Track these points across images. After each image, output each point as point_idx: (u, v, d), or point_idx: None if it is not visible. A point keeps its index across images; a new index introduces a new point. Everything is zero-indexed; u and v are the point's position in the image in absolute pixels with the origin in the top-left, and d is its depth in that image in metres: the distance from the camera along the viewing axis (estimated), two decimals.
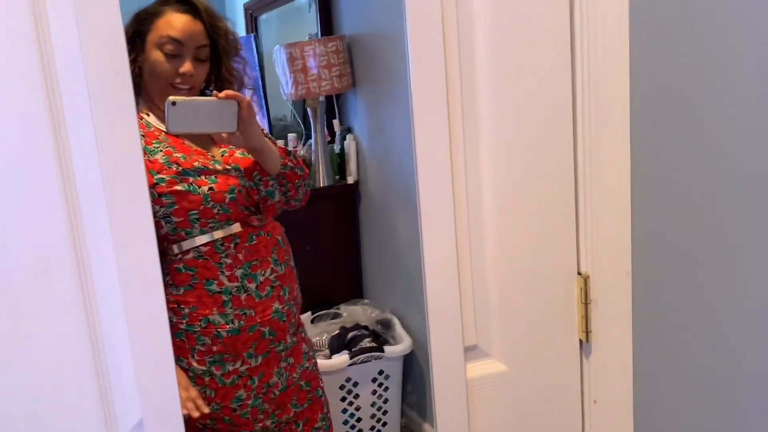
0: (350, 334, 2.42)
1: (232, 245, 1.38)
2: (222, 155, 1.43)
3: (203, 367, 1.39)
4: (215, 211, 1.35)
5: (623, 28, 0.91)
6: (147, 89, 1.41)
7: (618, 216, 0.95)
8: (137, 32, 1.38)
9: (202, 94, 1.44)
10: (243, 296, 1.38)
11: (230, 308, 1.37)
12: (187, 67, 1.35)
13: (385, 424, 2.42)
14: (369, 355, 2.30)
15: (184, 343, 1.37)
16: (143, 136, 1.39)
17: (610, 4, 0.90)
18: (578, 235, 0.96)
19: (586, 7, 0.90)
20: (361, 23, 2.56)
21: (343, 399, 2.34)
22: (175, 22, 1.37)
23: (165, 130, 1.38)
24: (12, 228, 0.75)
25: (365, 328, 2.48)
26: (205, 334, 1.37)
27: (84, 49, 0.74)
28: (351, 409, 2.36)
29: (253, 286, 1.38)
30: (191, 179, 1.35)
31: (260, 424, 1.46)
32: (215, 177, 1.37)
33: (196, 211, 1.34)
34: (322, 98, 2.67)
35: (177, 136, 1.38)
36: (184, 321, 1.37)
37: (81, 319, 0.79)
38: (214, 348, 1.38)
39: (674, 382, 0.95)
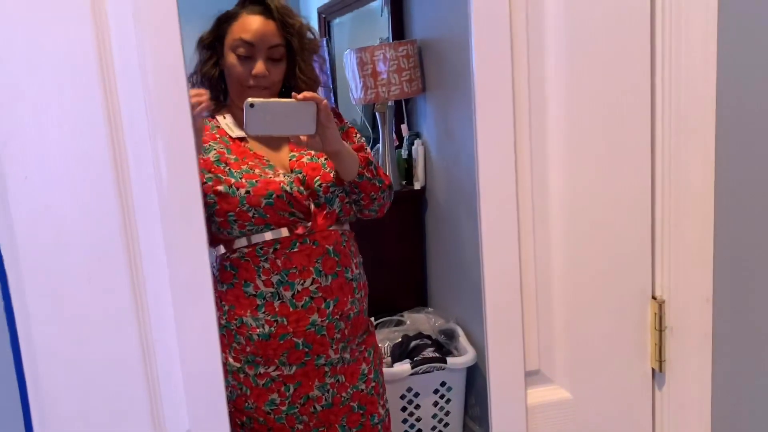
0: (413, 343, 2.39)
1: (271, 250, 1.38)
2: (290, 159, 1.43)
3: (238, 365, 1.41)
4: (250, 214, 1.35)
5: (710, 23, 0.83)
6: (228, 92, 1.44)
7: (698, 238, 0.87)
8: (217, 36, 1.42)
9: (283, 95, 1.42)
10: (277, 303, 1.37)
11: (262, 313, 1.37)
12: (258, 68, 1.36)
13: None
14: (431, 365, 2.26)
15: (224, 338, 1.39)
16: (209, 136, 1.42)
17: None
18: (653, 257, 0.89)
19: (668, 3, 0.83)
20: (432, 27, 2.53)
21: (404, 409, 2.30)
22: (248, 24, 1.38)
23: (232, 134, 1.38)
24: (69, 232, 0.76)
25: (428, 337, 2.43)
26: (240, 334, 1.39)
27: (141, 66, 0.74)
28: (412, 420, 2.32)
29: (288, 294, 1.37)
30: (233, 181, 1.35)
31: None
32: (256, 181, 1.36)
33: (233, 213, 1.35)
34: (390, 103, 2.65)
35: (238, 137, 1.40)
36: (224, 317, 1.40)
37: (133, 324, 0.79)
38: (248, 348, 1.39)
39: (757, 420, 0.87)
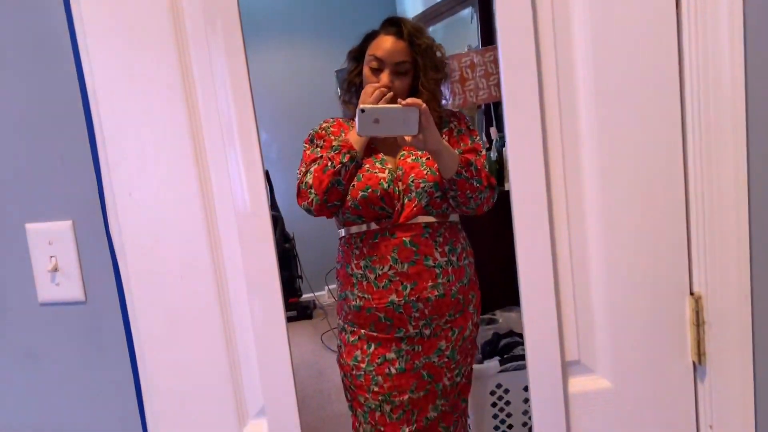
0: (503, 341, 2.44)
1: (359, 240, 1.67)
2: (400, 158, 1.68)
3: (342, 323, 1.78)
4: (350, 204, 1.62)
5: (737, 18, 0.86)
6: None
7: (734, 234, 0.89)
8: (360, 51, 1.73)
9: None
10: (365, 283, 1.67)
11: (356, 289, 1.69)
12: (383, 79, 1.63)
13: None
14: (521, 363, 2.30)
15: (341, 305, 1.77)
16: (343, 133, 1.72)
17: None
18: (690, 253, 0.92)
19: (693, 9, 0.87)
20: None
21: (494, 405, 2.36)
22: (381, 43, 1.66)
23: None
24: (165, 239, 0.92)
25: (519, 335, 2.48)
26: (346, 303, 1.73)
27: (219, 96, 0.89)
28: (502, 416, 2.38)
29: (372, 276, 1.65)
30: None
31: (374, 396, 1.69)
32: (361, 175, 1.63)
33: (338, 202, 1.64)
34: (480, 106, 2.72)
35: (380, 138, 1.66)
36: (340, 289, 1.76)
37: (217, 315, 0.94)
38: (349, 316, 1.74)
39: None
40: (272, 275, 0.92)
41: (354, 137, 1.63)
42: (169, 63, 0.88)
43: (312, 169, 1.64)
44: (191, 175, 0.91)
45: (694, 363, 0.94)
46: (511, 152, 0.91)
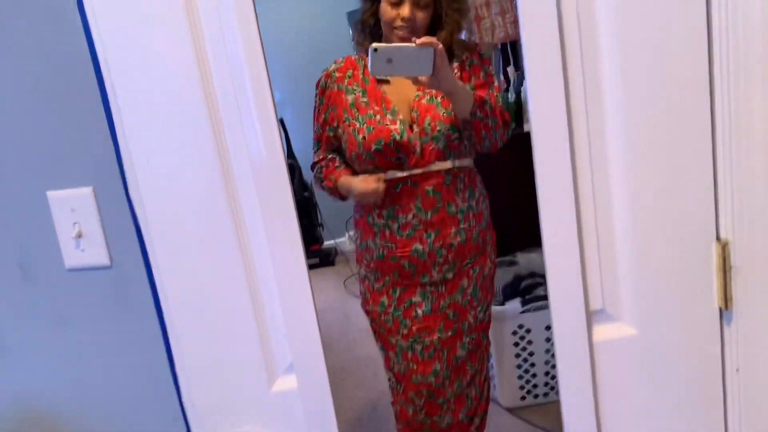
0: (524, 282, 2.46)
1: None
2: (415, 98, 1.65)
3: (365, 272, 1.79)
4: (364, 157, 1.64)
5: None
6: (382, 37, 1.69)
7: (762, 179, 0.87)
8: None
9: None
10: (387, 232, 1.67)
11: (379, 239, 1.69)
12: (405, 12, 1.59)
13: None
14: (542, 303, 2.32)
15: (360, 253, 1.80)
16: (352, 76, 1.71)
17: None
18: (716, 199, 0.90)
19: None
20: None
21: (516, 344, 2.40)
22: None
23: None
24: (184, 201, 0.92)
25: (540, 276, 2.49)
26: (367, 252, 1.76)
27: (230, 49, 0.87)
28: (525, 354, 2.42)
29: (395, 225, 1.66)
30: (357, 125, 1.64)
31: (403, 339, 1.73)
32: (373, 128, 1.61)
33: (354, 153, 1.65)
34: (497, 45, 2.65)
35: (380, 78, 1.66)
36: (359, 239, 1.79)
37: (241, 274, 0.95)
38: (371, 265, 1.76)
39: None
40: (292, 227, 0.92)
41: (344, 184, 1.69)
42: (176, 16, 0.86)
43: (320, 175, 1.78)
44: (206, 132, 0.90)
45: (720, 309, 0.93)
46: (531, 96, 0.88)
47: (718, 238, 0.91)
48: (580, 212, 0.92)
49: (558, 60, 0.87)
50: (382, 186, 1.61)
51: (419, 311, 1.72)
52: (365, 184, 1.62)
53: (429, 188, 1.62)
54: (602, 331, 0.96)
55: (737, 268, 0.91)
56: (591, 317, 0.95)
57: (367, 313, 1.82)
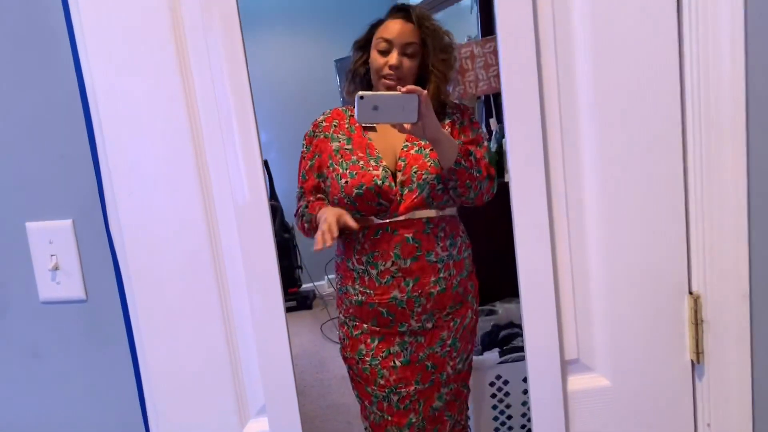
0: (503, 332, 2.45)
1: (361, 235, 1.65)
2: (403, 149, 1.67)
3: (343, 317, 1.76)
4: (345, 201, 1.63)
5: (737, 22, 0.86)
6: (372, 85, 1.73)
7: (733, 234, 0.90)
8: (367, 39, 1.73)
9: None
10: (366, 278, 1.66)
11: (358, 284, 1.68)
12: (393, 59, 1.64)
13: None
14: (520, 354, 2.31)
15: (341, 299, 1.76)
16: (338, 125, 1.74)
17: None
18: (689, 253, 0.92)
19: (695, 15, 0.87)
20: None
21: (494, 396, 2.38)
22: (389, 26, 1.67)
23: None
24: (165, 239, 0.92)
25: (519, 327, 2.49)
26: (346, 297, 1.73)
27: (218, 90, 0.88)
28: (501, 406, 2.40)
29: (374, 272, 1.65)
30: (340, 171, 1.64)
31: (380, 389, 1.70)
32: (356, 173, 1.62)
33: (336, 198, 1.65)
34: (479, 97, 2.71)
35: (369, 127, 1.68)
36: (339, 283, 1.76)
37: (218, 315, 0.95)
38: (350, 310, 1.73)
39: None
40: (272, 269, 0.92)
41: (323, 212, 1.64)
42: (166, 58, 0.88)
43: (303, 213, 1.74)
44: (190, 171, 0.91)
45: (692, 362, 0.94)
46: (510, 148, 0.91)
47: (690, 292, 0.93)
48: (556, 263, 0.94)
49: (537, 116, 0.90)
50: (338, 223, 1.55)
51: (397, 362, 1.70)
52: (332, 214, 1.57)
53: (408, 236, 1.63)
54: (577, 382, 0.96)
55: (708, 322, 0.93)
56: (566, 366, 0.96)
57: (345, 359, 1.79)
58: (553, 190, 0.92)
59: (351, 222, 1.56)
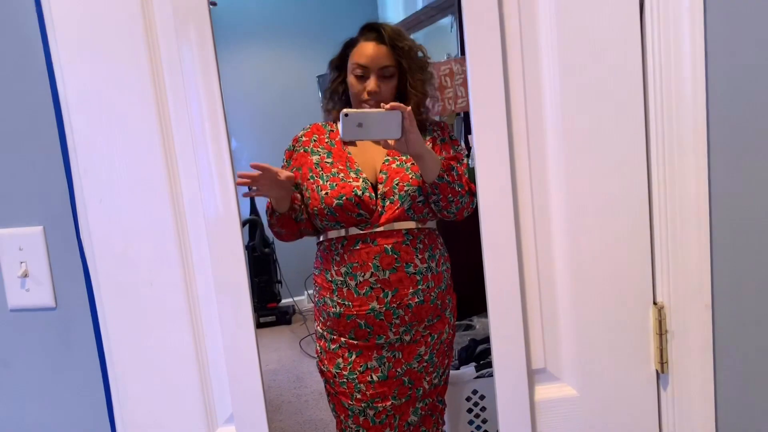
0: (480, 347, 2.46)
1: (340, 246, 1.66)
2: (384, 162, 1.69)
3: (321, 330, 1.76)
4: (326, 212, 1.64)
5: (698, 33, 0.89)
6: (351, 104, 1.74)
7: (695, 246, 0.92)
8: (342, 59, 1.74)
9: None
10: (345, 290, 1.66)
11: (336, 296, 1.68)
12: (371, 85, 1.66)
13: None
14: None
15: (317, 310, 1.76)
16: (318, 139, 1.75)
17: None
18: (653, 264, 0.94)
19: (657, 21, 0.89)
20: None
21: (470, 411, 2.38)
22: (363, 50, 1.68)
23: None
24: (134, 244, 0.93)
25: None
26: (323, 310, 1.72)
27: (191, 103, 0.89)
28: (477, 422, 2.40)
29: (353, 283, 1.65)
30: (320, 182, 1.65)
31: (357, 403, 1.70)
32: (336, 184, 1.63)
33: (316, 209, 1.66)
34: (458, 114, 2.74)
35: (350, 142, 1.69)
36: (316, 295, 1.76)
37: (187, 321, 0.95)
38: (328, 323, 1.72)
39: (760, 422, 0.91)
40: (241, 283, 0.92)
41: (274, 202, 1.69)
42: (139, 70, 0.88)
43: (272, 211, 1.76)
44: (161, 181, 0.91)
45: (657, 371, 0.96)
46: (479, 164, 0.93)
47: (654, 302, 0.95)
48: (523, 273, 0.95)
49: (504, 132, 0.91)
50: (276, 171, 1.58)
51: (374, 377, 1.70)
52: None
53: (388, 246, 1.64)
54: (544, 391, 0.97)
55: (673, 332, 0.94)
56: (533, 375, 0.97)
57: (322, 373, 1.79)
58: (520, 202, 0.94)
59: (284, 176, 1.59)
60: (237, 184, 1.43)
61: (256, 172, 1.55)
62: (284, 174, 1.60)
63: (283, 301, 4.81)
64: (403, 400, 1.72)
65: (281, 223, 1.74)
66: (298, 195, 1.68)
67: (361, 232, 1.64)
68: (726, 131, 0.90)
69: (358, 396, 1.70)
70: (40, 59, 0.91)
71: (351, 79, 1.68)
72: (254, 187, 1.57)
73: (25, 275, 0.98)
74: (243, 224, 4.29)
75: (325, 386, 1.80)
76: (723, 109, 0.89)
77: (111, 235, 0.92)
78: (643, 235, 0.94)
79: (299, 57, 4.86)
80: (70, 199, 0.94)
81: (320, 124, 1.81)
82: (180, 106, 0.90)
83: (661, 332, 0.94)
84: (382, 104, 1.44)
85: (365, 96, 1.66)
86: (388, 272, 1.64)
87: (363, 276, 1.64)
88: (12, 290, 0.99)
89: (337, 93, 1.78)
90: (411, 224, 1.66)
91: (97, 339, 0.98)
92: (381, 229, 1.63)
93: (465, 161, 1.75)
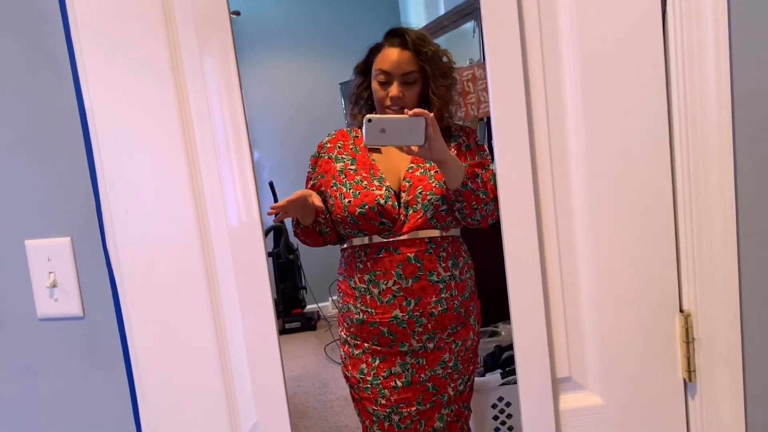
0: (505, 354, 2.44)
1: (363, 254, 1.67)
2: (408, 170, 1.69)
3: (345, 336, 1.77)
4: (349, 220, 1.64)
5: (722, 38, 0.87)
6: (375, 109, 1.74)
7: (722, 253, 0.90)
8: (366, 64, 1.75)
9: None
10: (368, 297, 1.67)
11: (359, 303, 1.69)
12: (393, 91, 1.66)
13: None
14: None
15: (343, 318, 1.76)
16: (342, 146, 1.75)
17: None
18: (679, 272, 0.93)
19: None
20: None
21: (496, 418, 2.36)
22: (387, 56, 1.68)
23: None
24: (159, 255, 0.94)
25: None
26: (347, 316, 1.74)
27: (214, 115, 0.90)
28: (504, 429, 2.38)
29: (376, 291, 1.65)
30: (344, 190, 1.66)
31: (381, 409, 1.71)
32: (358, 192, 1.64)
33: (339, 217, 1.66)
34: (482, 119, 2.74)
35: (374, 149, 1.70)
36: (340, 301, 1.77)
37: (211, 331, 0.95)
38: (351, 329, 1.74)
39: None
40: (264, 292, 0.93)
41: (300, 218, 1.68)
42: (163, 82, 0.90)
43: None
44: (185, 192, 0.92)
45: (684, 380, 0.94)
46: (500, 171, 0.92)
47: (681, 310, 0.93)
48: (546, 281, 0.94)
49: (525, 138, 0.91)
50: (306, 196, 1.60)
51: (399, 382, 1.70)
52: (299, 191, 1.62)
53: (411, 255, 1.64)
54: (569, 400, 0.96)
55: (700, 340, 0.93)
56: (557, 385, 0.96)
57: (347, 378, 1.80)
58: (543, 208, 0.93)
59: (317, 201, 1.60)
60: (269, 215, 1.46)
61: (284, 203, 1.57)
62: (316, 199, 1.62)
63: (308, 307, 4.83)
64: (428, 405, 1.72)
65: (306, 234, 1.75)
66: (323, 207, 1.69)
67: (384, 240, 1.64)
68: (752, 134, 0.88)
69: (383, 401, 1.70)
70: (66, 69, 0.93)
71: (374, 85, 1.69)
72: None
73: (54, 285, 1.00)
74: (267, 231, 4.32)
75: (350, 391, 1.80)
76: (749, 110, 0.88)
77: (136, 245, 0.93)
78: (669, 242, 0.92)
79: (321, 65, 4.89)
80: (96, 211, 0.95)
81: (345, 130, 1.82)
82: (203, 118, 0.91)
83: (688, 340, 0.92)
84: (405, 110, 1.43)
85: (388, 102, 1.67)
86: (410, 281, 1.63)
87: (386, 284, 1.64)
88: (41, 300, 1.01)
89: (362, 98, 1.78)
90: (434, 233, 1.66)
91: (124, 348, 0.99)
92: (404, 237, 1.63)
93: (491, 167, 1.74)
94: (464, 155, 1.71)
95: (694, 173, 0.90)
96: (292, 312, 4.66)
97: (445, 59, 1.74)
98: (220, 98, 0.91)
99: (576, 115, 0.91)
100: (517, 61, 0.89)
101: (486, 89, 2.58)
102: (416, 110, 1.42)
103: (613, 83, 0.90)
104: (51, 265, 0.99)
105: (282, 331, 4.61)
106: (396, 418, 1.70)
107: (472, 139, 1.77)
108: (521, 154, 0.91)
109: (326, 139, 1.81)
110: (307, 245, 1.81)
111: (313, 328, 4.72)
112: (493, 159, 2.80)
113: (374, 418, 1.73)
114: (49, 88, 0.95)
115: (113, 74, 0.90)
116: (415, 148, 1.46)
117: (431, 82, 1.69)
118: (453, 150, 1.70)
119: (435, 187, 1.64)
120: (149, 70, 0.90)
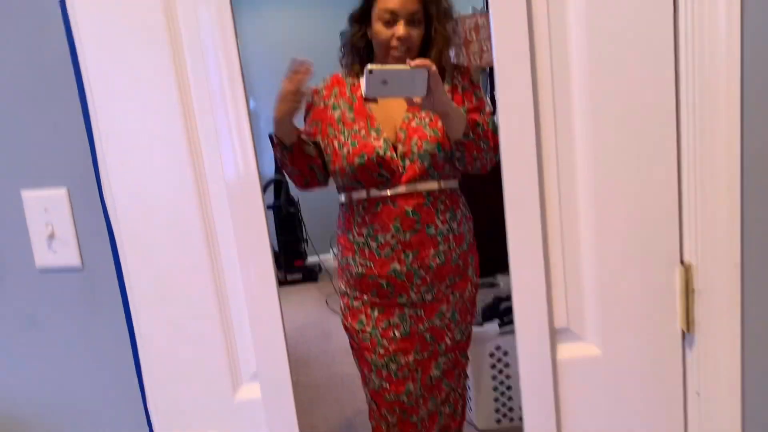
0: (503, 305, 2.47)
1: (361, 207, 1.67)
2: (404, 120, 1.66)
3: (344, 288, 1.79)
4: (347, 170, 1.63)
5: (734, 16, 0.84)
6: (375, 57, 1.70)
7: (725, 203, 0.89)
8: (365, 11, 1.69)
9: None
10: (366, 251, 1.68)
11: (358, 257, 1.70)
12: (400, 31, 1.62)
13: None
14: None
15: (342, 271, 1.78)
16: (339, 93, 1.71)
17: None
18: (681, 223, 0.92)
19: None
20: None
21: (493, 366, 2.40)
22: None
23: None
24: (156, 206, 0.93)
25: None
26: (346, 269, 1.75)
27: (209, 63, 0.88)
28: (501, 377, 2.42)
29: (374, 244, 1.66)
30: (342, 139, 1.64)
31: (379, 358, 1.73)
32: (357, 142, 1.62)
33: (337, 167, 1.65)
34: (484, 69, 2.69)
35: (373, 99, 1.63)
36: (340, 255, 1.77)
37: (209, 281, 0.95)
38: (351, 281, 1.76)
39: None
40: (263, 245, 0.93)
41: (278, 130, 1.62)
42: (156, 31, 0.87)
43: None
44: (181, 142, 0.91)
45: (682, 331, 0.95)
46: (502, 121, 0.90)
47: (681, 262, 0.93)
48: (546, 231, 0.93)
49: (528, 85, 0.89)
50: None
51: (396, 333, 1.72)
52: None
53: (408, 208, 1.63)
54: (566, 350, 0.97)
55: (700, 291, 0.92)
56: (555, 335, 0.96)
57: (346, 328, 1.82)
58: (544, 158, 0.92)
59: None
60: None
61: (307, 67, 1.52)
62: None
63: (310, 259, 4.86)
64: (426, 354, 1.74)
65: (292, 160, 1.69)
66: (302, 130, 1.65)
67: (382, 193, 1.63)
68: (760, 82, 0.86)
69: (381, 351, 1.72)
70: (58, 19, 0.91)
71: (378, 27, 1.64)
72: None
73: (52, 236, 0.99)
74: (268, 184, 4.31)
75: (350, 341, 1.82)
76: (756, 60, 0.85)
77: (133, 196, 0.92)
78: (671, 192, 0.91)
79: (320, 13, 4.79)
80: (92, 161, 0.94)
81: (340, 75, 1.78)
82: (198, 68, 0.89)
83: (688, 291, 0.92)
84: (408, 61, 1.41)
85: (394, 42, 1.62)
86: (408, 234, 1.63)
87: (384, 237, 1.64)
88: (39, 250, 1.00)
89: (358, 48, 1.74)
90: (432, 185, 1.64)
91: (123, 298, 0.99)
92: (402, 190, 1.62)
93: (488, 109, 1.71)
94: (461, 97, 1.69)
95: (699, 120, 0.88)
96: (294, 264, 4.70)
97: (446, 2, 1.70)
98: (215, 48, 0.88)
99: (580, 63, 0.89)
100: (521, 9, 0.87)
101: (489, 38, 2.53)
102: (418, 61, 1.40)
103: (619, 27, 0.87)
104: (48, 216, 0.98)
105: (284, 283, 4.65)
106: (393, 366, 1.73)
107: (467, 79, 1.74)
108: (524, 104, 0.89)
109: (321, 85, 1.77)
110: (299, 185, 1.77)
111: (315, 279, 4.76)
112: (494, 111, 2.76)
113: (372, 367, 1.76)
114: (41, 35, 0.92)
115: (106, 22, 0.88)
116: (417, 100, 1.43)
117: (435, 22, 1.66)
118: (449, 92, 1.67)
119: (430, 136, 1.63)
120: (143, 18, 0.87)
